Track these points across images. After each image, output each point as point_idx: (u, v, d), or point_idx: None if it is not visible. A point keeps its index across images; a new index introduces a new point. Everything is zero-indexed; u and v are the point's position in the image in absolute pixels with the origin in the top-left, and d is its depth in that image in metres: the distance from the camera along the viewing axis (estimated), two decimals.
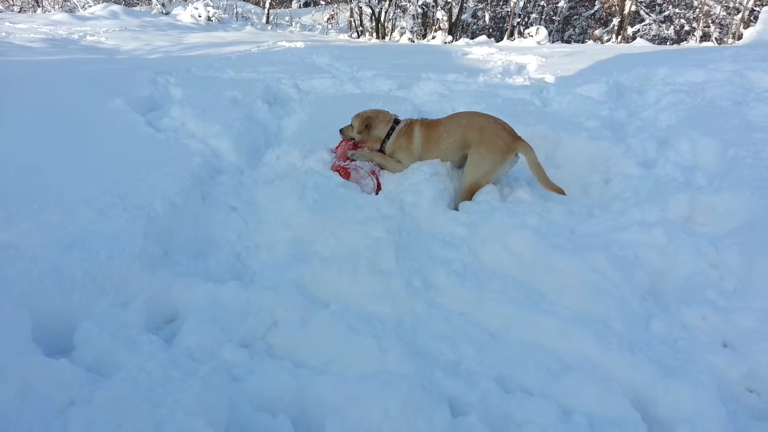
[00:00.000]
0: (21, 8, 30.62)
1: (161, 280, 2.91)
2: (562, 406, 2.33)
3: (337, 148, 4.89)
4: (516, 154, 4.24)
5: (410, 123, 4.68)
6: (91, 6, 25.96)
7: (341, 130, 4.90)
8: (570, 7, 26.64)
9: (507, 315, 2.91)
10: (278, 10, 33.80)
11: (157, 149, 4.60)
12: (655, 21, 24.46)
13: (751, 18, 19.58)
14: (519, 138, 4.24)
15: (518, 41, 18.33)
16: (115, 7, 21.45)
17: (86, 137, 4.59)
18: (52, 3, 31.13)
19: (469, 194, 4.18)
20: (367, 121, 4.70)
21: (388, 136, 4.69)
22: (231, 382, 2.23)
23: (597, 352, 2.63)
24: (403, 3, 22.68)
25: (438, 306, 2.99)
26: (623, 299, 3.02)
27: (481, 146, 4.19)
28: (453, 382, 2.38)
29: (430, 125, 4.60)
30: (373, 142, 4.74)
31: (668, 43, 23.67)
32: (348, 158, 4.61)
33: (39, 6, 29.45)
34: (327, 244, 3.49)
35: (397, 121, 4.75)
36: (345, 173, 4.43)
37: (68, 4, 31.07)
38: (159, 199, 3.57)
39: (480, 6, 25.72)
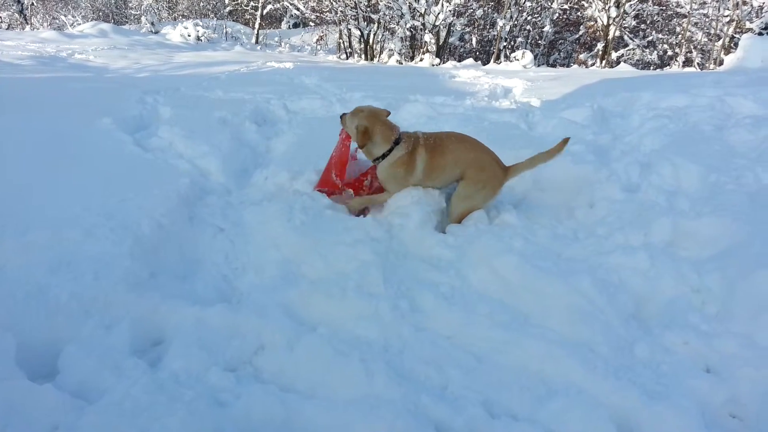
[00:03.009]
0: (9, 25, 30.58)
1: (147, 302, 2.89)
2: (548, 431, 2.35)
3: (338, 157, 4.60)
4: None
5: (413, 149, 4.23)
6: (80, 24, 26.01)
7: (342, 117, 4.49)
8: (555, 32, 27.06)
9: (493, 339, 2.92)
10: (267, 31, 34.03)
11: (144, 169, 4.60)
12: (638, 46, 24.92)
13: (732, 45, 20.02)
14: (507, 170, 4.28)
15: (504, 65, 18.59)
16: (104, 26, 21.52)
17: (73, 156, 4.58)
18: (40, 20, 31.15)
19: (460, 221, 4.22)
20: (364, 131, 4.16)
21: (384, 156, 4.25)
22: (217, 407, 2.22)
23: (582, 376, 2.65)
24: (392, 25, 22.94)
25: (425, 329, 3.00)
26: (608, 323, 3.05)
27: (478, 182, 4.19)
28: (439, 406, 2.38)
29: (434, 150, 4.26)
30: (367, 154, 4.35)
31: (651, 67, 24.11)
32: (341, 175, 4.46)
33: (27, 23, 29.42)
34: (315, 266, 3.49)
35: (397, 141, 4.24)
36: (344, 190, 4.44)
37: (57, 21, 31.11)
38: (146, 219, 3.56)
39: (467, 29, 26.05)
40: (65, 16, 32.59)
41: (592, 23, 23.68)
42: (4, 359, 2.13)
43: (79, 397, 2.12)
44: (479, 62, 19.78)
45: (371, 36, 22.99)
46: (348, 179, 4.55)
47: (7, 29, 27.67)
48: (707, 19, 22.48)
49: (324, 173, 4.60)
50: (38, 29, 26.34)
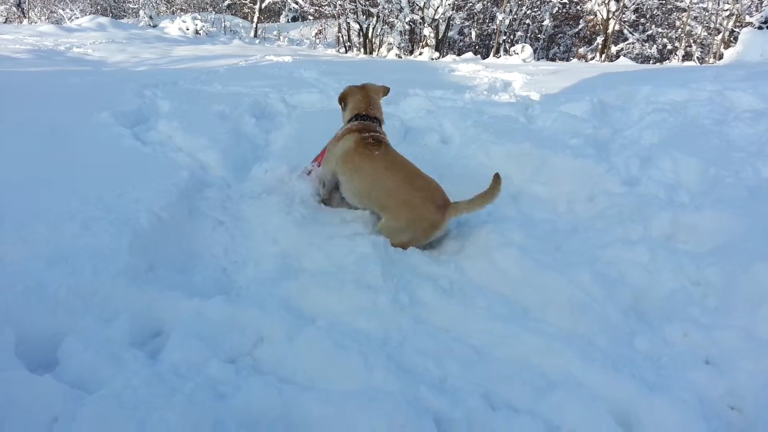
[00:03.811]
0: (6, 19, 30.50)
1: (146, 295, 2.88)
2: (548, 423, 2.35)
3: (317, 159, 4.77)
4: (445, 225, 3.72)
5: (356, 129, 3.94)
6: (78, 18, 25.93)
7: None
8: (555, 26, 27.04)
9: (493, 331, 2.92)
10: (266, 25, 33.95)
11: (143, 163, 4.59)
12: (638, 40, 24.90)
13: (731, 39, 19.99)
14: (445, 209, 3.66)
15: (504, 58, 18.54)
16: (102, 19, 21.46)
17: (71, 150, 4.57)
18: (38, 14, 31.05)
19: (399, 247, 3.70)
20: (342, 94, 4.32)
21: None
22: (216, 398, 2.22)
23: (581, 369, 2.65)
24: (391, 19, 22.88)
25: (424, 322, 3.00)
26: (607, 316, 3.05)
27: (399, 220, 3.68)
28: (439, 398, 2.38)
29: (361, 145, 3.82)
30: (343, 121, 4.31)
31: (651, 61, 24.08)
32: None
33: (25, 17, 29.32)
34: (314, 259, 3.49)
35: (360, 117, 4.09)
36: None
37: (55, 15, 31.00)
38: (145, 213, 3.55)
39: (467, 23, 26.01)
40: (63, 9, 32.46)
41: (591, 17, 23.65)
42: (4, 351, 2.12)
43: (78, 388, 2.12)
44: (478, 56, 19.75)
45: (370, 30, 22.94)
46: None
47: (4, 23, 27.59)
48: (707, 13, 22.45)
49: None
50: (36, 23, 26.26)
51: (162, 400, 2.03)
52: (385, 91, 4.41)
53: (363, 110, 4.16)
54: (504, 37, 24.41)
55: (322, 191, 4.21)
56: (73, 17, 28.98)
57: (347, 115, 4.24)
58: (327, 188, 4.17)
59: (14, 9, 30.82)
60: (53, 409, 1.93)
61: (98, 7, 37.47)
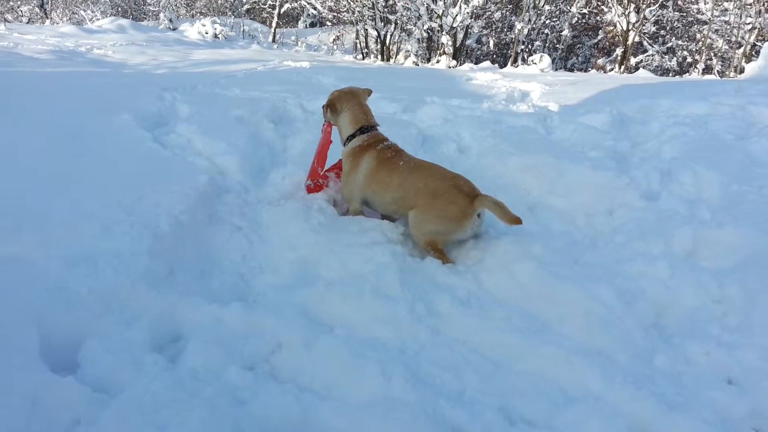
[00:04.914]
0: (29, 19, 30.95)
1: (166, 299, 2.90)
2: None
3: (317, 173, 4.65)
4: (478, 215, 3.77)
5: (367, 147, 4.02)
6: (98, 19, 26.25)
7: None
8: (574, 36, 26.91)
9: (510, 344, 2.91)
10: (284, 30, 34.14)
11: (163, 166, 4.61)
12: (658, 52, 24.71)
13: (753, 52, 19.81)
14: (475, 198, 3.70)
15: (522, 68, 18.49)
16: (123, 21, 21.71)
17: (92, 152, 4.61)
18: (60, 15, 31.47)
19: (428, 248, 3.75)
20: (331, 101, 4.22)
21: (350, 140, 4.15)
22: (236, 404, 2.22)
23: (600, 385, 2.63)
24: (409, 27, 22.92)
25: (442, 333, 2.99)
26: (627, 332, 3.03)
27: (429, 210, 3.73)
28: (456, 411, 2.37)
29: (384, 163, 3.92)
30: (340, 134, 4.29)
31: (671, 74, 23.89)
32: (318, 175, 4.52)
33: (47, 18, 29.74)
34: (331, 267, 3.49)
35: (363, 130, 4.11)
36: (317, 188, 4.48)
37: (76, 16, 31.41)
38: (165, 216, 3.57)
39: (485, 32, 25.97)
40: (84, 11, 32.89)
41: (611, 28, 23.55)
42: (29, 351, 2.14)
43: (99, 392, 2.13)
44: (496, 65, 19.72)
45: (388, 37, 22.99)
46: (330, 167, 4.60)
47: (27, 23, 28.00)
48: (728, 27, 22.24)
49: (311, 167, 4.58)
50: (58, 24, 26.60)
51: (182, 404, 2.04)
52: (369, 93, 4.42)
53: (365, 122, 4.17)
54: (522, 47, 24.36)
55: (353, 210, 4.20)
56: (94, 19, 29.36)
57: (348, 128, 4.17)
58: (357, 208, 4.16)
59: (37, 10, 31.28)
60: (77, 412, 1.94)
61: (119, 9, 37.92)
